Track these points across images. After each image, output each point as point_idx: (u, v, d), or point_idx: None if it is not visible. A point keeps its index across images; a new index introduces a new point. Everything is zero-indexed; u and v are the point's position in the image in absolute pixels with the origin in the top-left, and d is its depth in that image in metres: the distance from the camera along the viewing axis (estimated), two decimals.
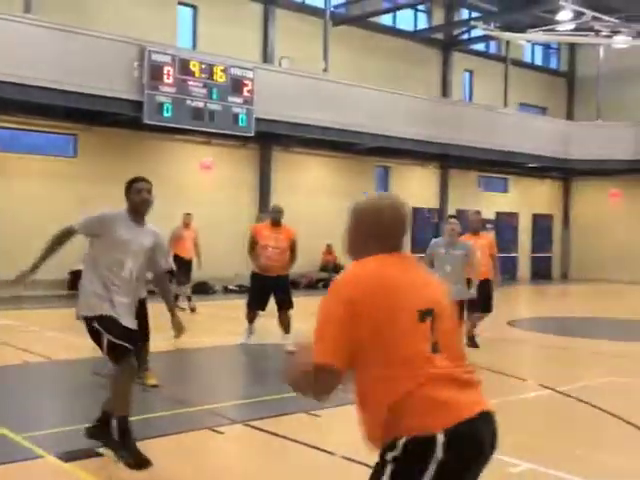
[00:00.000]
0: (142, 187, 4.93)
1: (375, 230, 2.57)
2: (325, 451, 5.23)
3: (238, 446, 5.60)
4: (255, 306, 9.71)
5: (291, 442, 5.41)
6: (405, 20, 24.35)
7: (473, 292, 8.75)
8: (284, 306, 9.57)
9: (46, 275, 7.82)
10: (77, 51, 14.95)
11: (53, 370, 8.38)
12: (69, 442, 5.32)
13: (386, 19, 23.72)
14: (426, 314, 2.43)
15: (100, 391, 6.74)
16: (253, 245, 9.49)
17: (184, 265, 13.49)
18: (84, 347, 9.17)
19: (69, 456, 4.93)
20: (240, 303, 14.41)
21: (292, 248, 9.59)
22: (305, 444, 5.35)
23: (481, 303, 9.33)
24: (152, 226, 5.08)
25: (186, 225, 13.66)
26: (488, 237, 10.65)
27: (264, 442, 5.51)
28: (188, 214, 13.82)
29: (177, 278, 13.08)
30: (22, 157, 16.39)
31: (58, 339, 10.23)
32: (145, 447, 5.21)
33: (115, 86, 15.49)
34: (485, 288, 9.53)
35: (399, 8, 23.44)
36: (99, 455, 4.98)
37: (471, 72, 26.46)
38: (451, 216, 8.93)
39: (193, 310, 13.45)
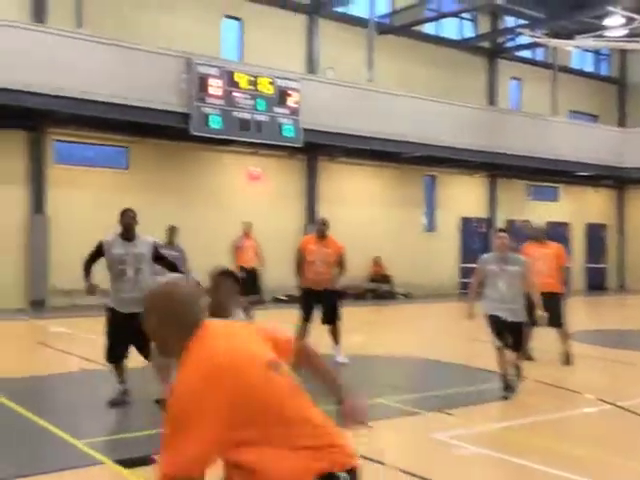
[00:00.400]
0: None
1: (173, 316, 2.35)
2: (376, 462, 5.18)
3: None
4: (303, 318, 9.46)
5: None
6: (450, 28, 24.23)
7: (541, 314, 7.46)
8: (327, 321, 9.37)
9: (101, 284, 7.96)
10: (127, 65, 15.26)
11: (110, 377, 8.48)
12: (128, 449, 5.39)
13: (430, 28, 23.64)
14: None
15: (150, 399, 6.82)
16: (300, 260, 9.29)
17: (248, 275, 12.83)
18: (137, 355, 9.32)
19: (128, 462, 4.98)
20: (288, 313, 14.47)
21: (340, 262, 9.29)
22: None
23: (550, 317, 7.88)
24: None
25: (246, 234, 13.22)
26: (555, 246, 9.52)
27: None
28: (247, 223, 13.33)
29: (244, 289, 12.70)
30: (77, 169, 16.77)
31: None
32: None
33: (164, 99, 15.75)
34: (553, 302, 8.59)
35: (444, 16, 23.32)
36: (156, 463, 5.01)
37: (518, 80, 26.16)
38: (500, 229, 7.91)
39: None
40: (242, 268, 12.84)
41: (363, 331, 12.96)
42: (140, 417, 6.57)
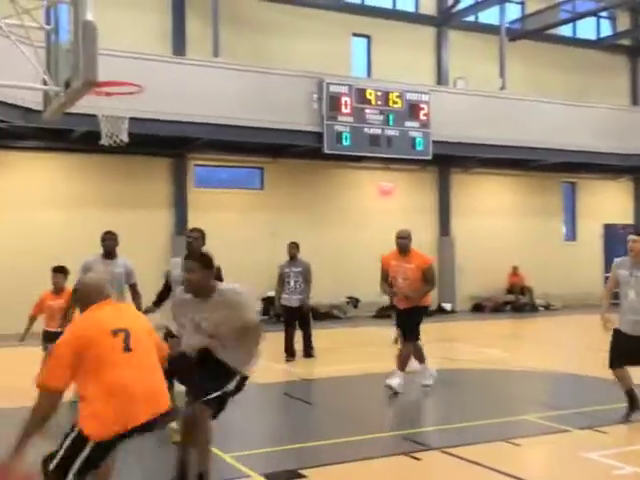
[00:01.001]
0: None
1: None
2: None
3: (437, 473, 5.50)
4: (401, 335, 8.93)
5: (490, 471, 5.23)
6: (585, 29, 23.24)
7: None
8: (404, 339, 8.57)
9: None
10: (261, 89, 15.79)
11: (256, 393, 8.75)
12: (273, 462, 5.52)
13: (565, 30, 22.77)
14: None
15: (294, 413, 6.96)
16: (384, 277, 8.54)
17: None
18: (278, 371, 9.56)
19: (275, 476, 5.10)
20: (424, 327, 14.29)
21: (426, 278, 8.22)
22: (505, 473, 5.16)
23: None
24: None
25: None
26: None
27: (463, 470, 5.36)
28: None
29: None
30: (215, 191, 17.52)
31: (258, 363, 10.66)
32: (341, 472, 5.30)
33: (297, 119, 16.15)
34: None
35: (580, 17, 22.39)
36: (302, 476, 5.11)
37: None
38: (636, 232, 6.85)
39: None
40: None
41: (503, 345, 12.60)
42: (285, 431, 6.72)
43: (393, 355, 11.35)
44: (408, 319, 8.38)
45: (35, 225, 15.39)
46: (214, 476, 5.22)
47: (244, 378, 4.91)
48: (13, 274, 14.66)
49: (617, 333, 6.89)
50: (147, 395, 3.78)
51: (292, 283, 10.98)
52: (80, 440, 3.65)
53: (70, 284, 7.36)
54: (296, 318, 11.04)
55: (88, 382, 3.72)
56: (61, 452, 3.69)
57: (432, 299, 8.65)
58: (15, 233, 15.15)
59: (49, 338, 7.50)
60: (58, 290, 8.02)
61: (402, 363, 8.26)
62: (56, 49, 7.07)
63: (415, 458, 5.60)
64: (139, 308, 7.18)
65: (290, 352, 10.84)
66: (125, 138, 11.51)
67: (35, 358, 7.39)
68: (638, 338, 6.74)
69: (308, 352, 11.04)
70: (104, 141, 11.46)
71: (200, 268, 4.74)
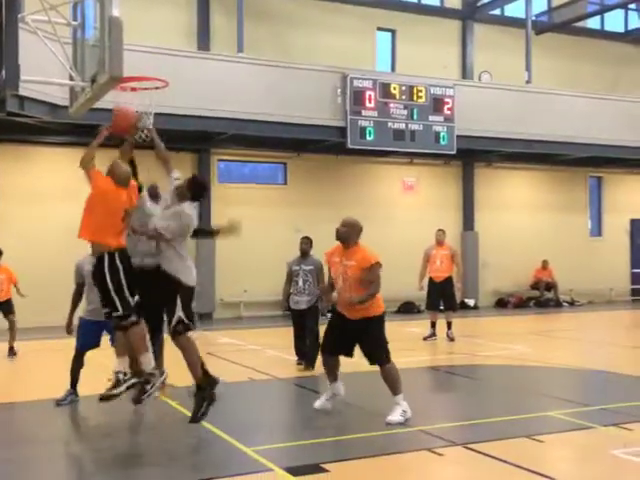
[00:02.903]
0: None
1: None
2: (547, 477, 4.98)
3: (459, 469, 5.48)
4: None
5: (513, 467, 5.21)
6: (614, 21, 22.91)
7: None
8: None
9: (263, 297, 8.29)
10: (285, 84, 15.79)
11: (277, 387, 8.80)
12: (294, 456, 5.54)
13: (593, 22, 22.47)
14: None
15: (314, 408, 6.97)
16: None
17: (434, 287, 12.55)
18: (295, 365, 9.58)
19: (297, 470, 5.12)
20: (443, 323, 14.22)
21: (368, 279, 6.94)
22: (528, 469, 5.13)
23: None
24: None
25: (439, 243, 12.79)
26: None
27: (485, 465, 5.34)
28: (440, 230, 12.96)
29: (428, 302, 12.68)
30: (238, 187, 17.56)
31: (278, 358, 10.73)
32: (363, 466, 5.30)
33: (320, 114, 16.13)
34: None
35: (608, 10, 22.08)
36: (325, 471, 5.13)
37: None
38: None
39: (452, 339, 12.38)
40: (430, 280, 12.56)
41: (527, 341, 12.50)
42: (306, 425, 6.74)
43: (415, 350, 11.32)
44: (367, 336, 6.70)
45: (60, 218, 15.54)
46: (237, 469, 5.27)
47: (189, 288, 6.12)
48: (45, 268, 14.78)
49: None
50: None
51: (301, 282, 9.72)
52: None
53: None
54: (305, 321, 9.71)
55: None
56: None
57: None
58: (41, 226, 15.33)
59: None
60: None
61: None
62: (82, 45, 7.13)
63: (438, 454, 5.59)
64: None
65: (302, 356, 9.76)
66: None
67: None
68: None
69: (308, 361, 9.49)
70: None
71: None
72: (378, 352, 6.66)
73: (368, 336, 6.66)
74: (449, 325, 12.45)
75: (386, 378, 6.67)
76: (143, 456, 5.70)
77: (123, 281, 5.81)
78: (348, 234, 6.89)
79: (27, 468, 5.42)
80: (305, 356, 9.58)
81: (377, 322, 6.74)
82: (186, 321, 6.01)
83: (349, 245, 6.89)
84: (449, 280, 12.50)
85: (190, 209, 6.30)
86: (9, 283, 11.06)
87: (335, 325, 6.86)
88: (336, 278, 6.85)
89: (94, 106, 7.33)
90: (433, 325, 12.60)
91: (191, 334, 6.09)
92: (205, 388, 6.06)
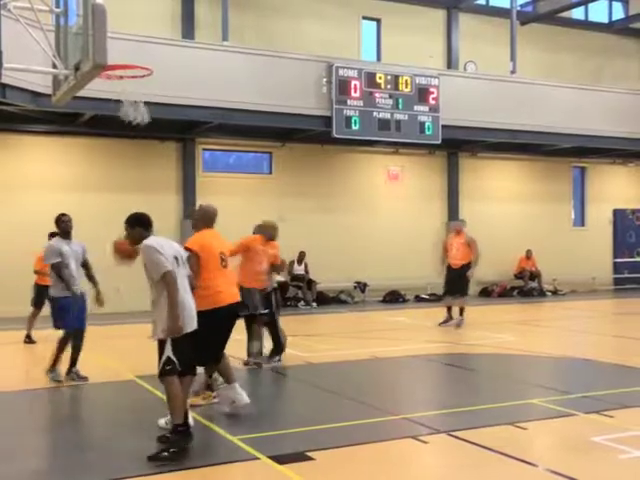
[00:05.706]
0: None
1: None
2: (530, 464, 5.04)
3: (443, 456, 5.53)
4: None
5: (497, 454, 5.27)
6: (598, 12, 23.01)
7: None
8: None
9: None
10: (269, 73, 15.73)
11: (259, 376, 8.82)
12: (280, 445, 5.56)
13: (577, 13, 22.55)
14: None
15: (301, 396, 7.00)
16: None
17: (451, 273, 13.10)
18: (285, 354, 9.60)
19: (282, 458, 5.15)
20: (432, 312, 14.34)
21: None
22: (511, 456, 5.19)
23: None
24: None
25: (457, 232, 13.25)
26: None
27: (469, 453, 5.40)
28: (460, 220, 14.12)
29: (447, 288, 13.11)
30: (223, 176, 17.52)
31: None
32: (349, 454, 5.34)
33: (306, 103, 16.10)
34: None
35: (592, 0, 22.15)
36: (310, 459, 5.16)
37: None
38: None
39: (458, 326, 12.79)
40: (449, 267, 13.08)
41: (511, 330, 12.60)
42: (292, 414, 6.77)
43: (401, 339, 11.40)
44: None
45: (43, 207, 15.44)
46: (222, 458, 5.29)
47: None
48: (19, 255, 14.67)
49: None
50: None
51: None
52: None
53: None
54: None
55: None
56: None
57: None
58: (24, 215, 15.21)
59: None
60: None
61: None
62: (65, 32, 7.08)
63: (422, 441, 5.64)
64: (93, 280, 8.30)
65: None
66: (146, 119, 11.62)
67: None
68: None
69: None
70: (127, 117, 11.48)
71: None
72: None
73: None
74: (461, 311, 12.87)
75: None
76: (127, 444, 5.69)
77: None
78: (195, 221, 7.20)
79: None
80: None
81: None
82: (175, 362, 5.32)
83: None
84: (465, 267, 12.92)
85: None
86: None
87: None
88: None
89: (77, 94, 7.27)
90: (449, 310, 13.05)
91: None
92: (179, 432, 5.35)
